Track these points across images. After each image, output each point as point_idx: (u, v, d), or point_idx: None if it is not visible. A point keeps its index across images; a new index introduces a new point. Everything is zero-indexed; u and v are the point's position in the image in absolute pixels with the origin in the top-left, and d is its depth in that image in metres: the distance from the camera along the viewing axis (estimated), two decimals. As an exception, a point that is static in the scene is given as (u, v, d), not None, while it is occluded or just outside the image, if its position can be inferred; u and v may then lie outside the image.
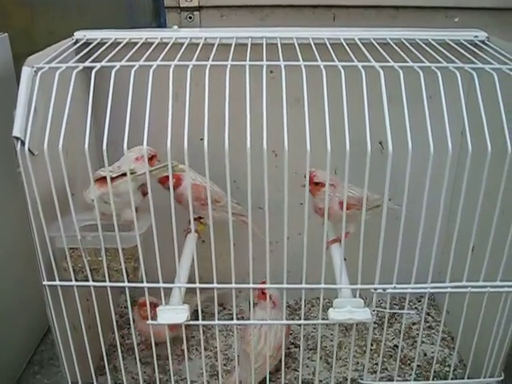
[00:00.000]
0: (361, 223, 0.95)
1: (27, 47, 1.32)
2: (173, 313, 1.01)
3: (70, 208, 0.94)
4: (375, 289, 1.01)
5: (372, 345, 1.39)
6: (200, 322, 1.04)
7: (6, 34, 1.25)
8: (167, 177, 0.93)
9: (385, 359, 1.35)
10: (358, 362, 1.35)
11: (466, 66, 0.97)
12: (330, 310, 1.00)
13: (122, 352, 1.14)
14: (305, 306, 1.54)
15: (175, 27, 1.34)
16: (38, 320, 1.43)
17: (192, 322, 1.03)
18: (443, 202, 0.93)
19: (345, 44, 1.08)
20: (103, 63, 0.96)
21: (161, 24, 1.69)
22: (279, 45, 1.08)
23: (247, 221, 1.21)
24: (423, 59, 1.00)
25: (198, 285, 1.01)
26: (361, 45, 1.07)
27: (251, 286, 1.01)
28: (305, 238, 0.95)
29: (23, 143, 0.89)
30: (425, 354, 1.38)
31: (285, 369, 1.13)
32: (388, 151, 0.87)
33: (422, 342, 1.42)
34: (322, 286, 1.01)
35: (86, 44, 1.13)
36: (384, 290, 1.01)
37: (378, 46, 1.07)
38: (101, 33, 1.16)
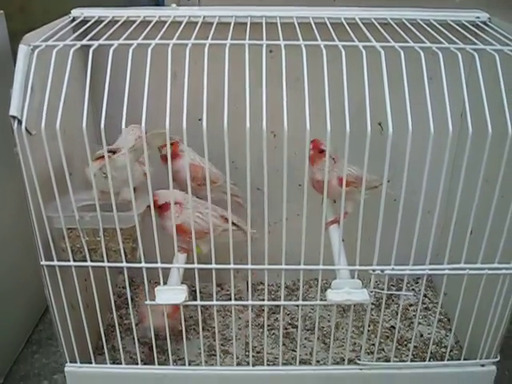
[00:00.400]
0: (359, 203, 0.95)
1: (23, 25, 1.30)
2: (171, 293, 1.01)
3: (67, 188, 0.93)
4: (373, 270, 1.01)
5: (369, 326, 1.40)
6: (198, 302, 1.05)
7: (2, 12, 1.23)
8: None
9: (381, 340, 1.35)
10: (354, 343, 1.35)
11: (467, 47, 0.96)
12: (328, 290, 1.01)
13: (120, 332, 1.14)
14: (302, 286, 1.53)
15: (173, 5, 1.32)
16: (36, 300, 1.43)
17: (190, 303, 1.03)
18: (442, 184, 0.93)
19: (345, 24, 1.07)
20: (101, 41, 0.94)
21: (159, 2, 1.66)
22: (279, 24, 1.06)
23: (242, 202, 1.22)
24: (424, 39, 0.99)
25: (196, 265, 1.01)
26: (361, 24, 1.06)
27: (249, 266, 1.01)
28: (303, 218, 0.94)
29: (20, 122, 0.88)
30: (421, 335, 1.39)
31: (283, 349, 1.14)
32: (388, 132, 0.86)
33: (419, 323, 1.42)
34: (321, 267, 1.01)
35: (84, 22, 1.11)
36: (382, 271, 1.02)
37: (378, 26, 1.06)
38: (98, 10, 1.15)
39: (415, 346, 1.34)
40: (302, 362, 1.26)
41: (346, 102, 0.87)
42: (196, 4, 1.43)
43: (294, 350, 1.33)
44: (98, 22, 1.10)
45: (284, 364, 1.21)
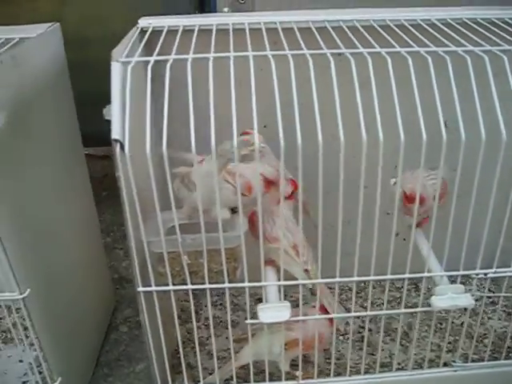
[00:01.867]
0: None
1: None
2: (274, 310, 0.97)
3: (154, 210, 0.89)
4: (477, 274, 1.01)
5: (441, 324, 1.40)
6: (300, 317, 1.02)
7: (59, 24, 1.16)
8: None
9: (457, 338, 1.34)
10: (432, 343, 1.33)
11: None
12: (433, 297, 0.99)
13: (192, 348, 1.11)
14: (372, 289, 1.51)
15: (226, 10, 1.28)
16: (100, 319, 1.39)
17: (294, 318, 0.99)
18: None
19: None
20: (193, 55, 0.90)
21: (211, 9, 1.57)
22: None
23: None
24: (503, 42, 0.97)
25: (300, 281, 0.98)
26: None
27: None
28: (394, 223, 0.93)
29: (122, 146, 0.83)
30: (494, 331, 1.37)
31: (361, 354, 1.11)
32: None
33: (489, 318, 1.43)
34: (425, 274, 1.00)
35: (155, 32, 1.06)
36: (485, 274, 1.01)
37: (455, 25, 1.05)
38: (165, 20, 1.10)
39: (493, 342, 1.33)
40: (384, 366, 1.25)
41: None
42: (249, 9, 1.37)
43: (373, 354, 1.32)
44: (170, 31, 1.05)
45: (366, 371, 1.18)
